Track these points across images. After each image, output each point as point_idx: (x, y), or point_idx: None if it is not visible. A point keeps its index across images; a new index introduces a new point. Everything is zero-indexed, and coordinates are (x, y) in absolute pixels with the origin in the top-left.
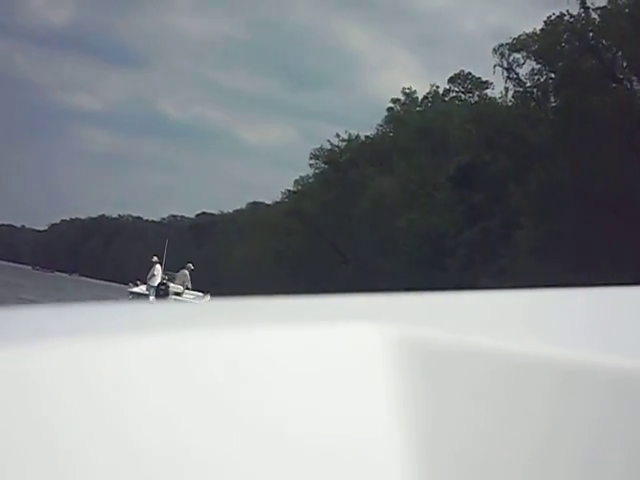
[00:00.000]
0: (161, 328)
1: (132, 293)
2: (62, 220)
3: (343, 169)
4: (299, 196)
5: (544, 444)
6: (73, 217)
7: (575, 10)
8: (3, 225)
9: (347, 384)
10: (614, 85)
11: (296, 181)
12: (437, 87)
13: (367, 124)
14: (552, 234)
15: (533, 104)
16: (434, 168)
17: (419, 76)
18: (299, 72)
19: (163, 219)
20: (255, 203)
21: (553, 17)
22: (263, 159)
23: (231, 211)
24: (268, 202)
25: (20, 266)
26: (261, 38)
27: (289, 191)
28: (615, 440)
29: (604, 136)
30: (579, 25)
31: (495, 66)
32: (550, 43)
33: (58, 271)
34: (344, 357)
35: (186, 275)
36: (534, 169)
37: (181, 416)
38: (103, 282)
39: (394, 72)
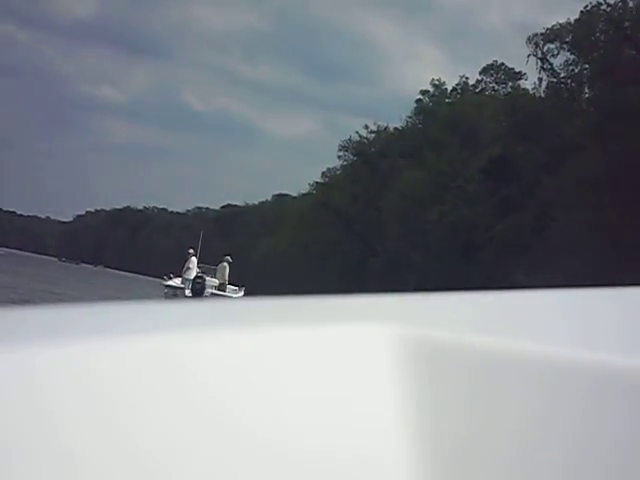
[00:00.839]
0: (164, 328)
1: (168, 287)
2: (87, 211)
3: (372, 161)
4: (327, 188)
5: (544, 441)
6: (98, 208)
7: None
8: (28, 216)
9: (351, 384)
10: None
11: (323, 173)
12: (466, 78)
13: (392, 116)
14: (587, 227)
15: (567, 95)
16: (465, 160)
17: (443, 68)
18: (323, 64)
19: (188, 211)
20: (280, 195)
21: (589, 6)
22: (287, 151)
23: (256, 203)
24: (294, 194)
25: (46, 257)
26: (286, 30)
27: (317, 183)
28: (607, 434)
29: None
30: (616, 14)
31: (529, 56)
32: (585, 33)
33: (83, 263)
34: (348, 357)
35: (225, 268)
36: (568, 161)
37: (182, 418)
38: (129, 274)
39: (418, 64)
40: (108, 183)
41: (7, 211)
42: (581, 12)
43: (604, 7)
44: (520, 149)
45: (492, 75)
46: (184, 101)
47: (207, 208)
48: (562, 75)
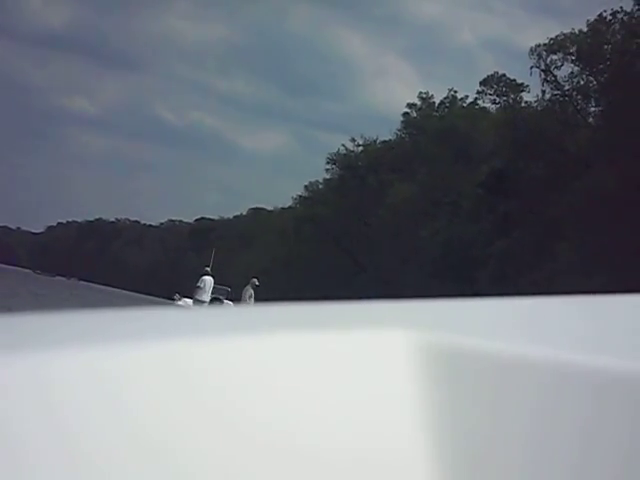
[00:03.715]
0: (181, 334)
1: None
2: (59, 223)
3: (361, 175)
4: (312, 202)
5: (560, 446)
6: (70, 220)
7: (629, 7)
8: None
9: (370, 389)
10: None
11: (306, 187)
12: (455, 92)
13: (364, 130)
14: (596, 247)
15: (571, 109)
16: (458, 175)
17: (414, 84)
18: (296, 78)
19: (161, 224)
20: (257, 209)
21: (598, 17)
22: (261, 165)
23: (231, 217)
24: (270, 208)
25: (20, 269)
26: (259, 44)
27: (300, 197)
28: (618, 439)
29: None
30: (634, 22)
31: (532, 67)
32: (592, 44)
33: (57, 275)
34: (367, 362)
35: (250, 294)
36: (574, 177)
37: (200, 423)
38: (101, 286)
39: (389, 79)
40: (79, 195)
41: None
42: (588, 23)
43: (621, 16)
44: (521, 163)
45: (493, 87)
46: (157, 114)
47: (180, 221)
48: (566, 87)
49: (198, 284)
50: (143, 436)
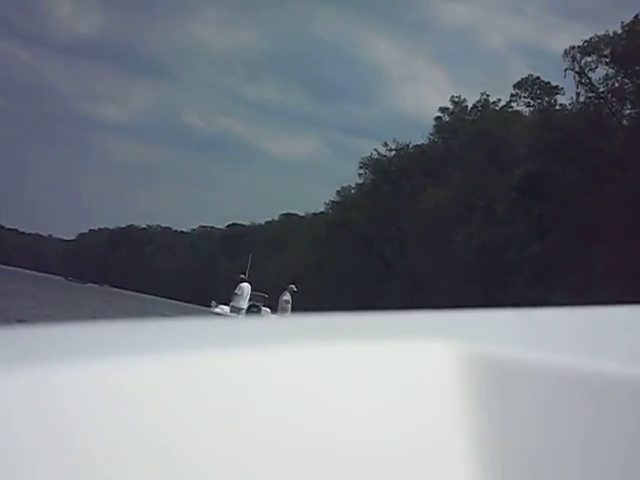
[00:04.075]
0: (237, 343)
1: (215, 314)
2: (90, 230)
3: (394, 179)
4: (344, 207)
5: (607, 458)
6: (101, 227)
7: None
8: (30, 234)
9: (415, 400)
10: None
11: (338, 192)
12: (487, 95)
13: (393, 135)
14: (633, 251)
15: (606, 111)
16: (492, 178)
17: (443, 89)
18: (326, 84)
19: (193, 230)
20: (288, 214)
21: (634, 19)
22: (291, 171)
23: (262, 223)
24: (301, 214)
25: (52, 277)
26: (288, 50)
27: (332, 202)
28: None
29: None
30: None
31: (566, 70)
32: (627, 46)
33: (89, 282)
34: (412, 373)
35: (287, 300)
36: (610, 181)
37: (215, 437)
38: (133, 293)
39: (418, 84)
40: (110, 202)
41: (9, 229)
42: (623, 25)
43: None
44: (555, 167)
45: (527, 89)
46: (187, 120)
47: (212, 227)
48: (601, 90)
49: (235, 291)
50: (149, 450)
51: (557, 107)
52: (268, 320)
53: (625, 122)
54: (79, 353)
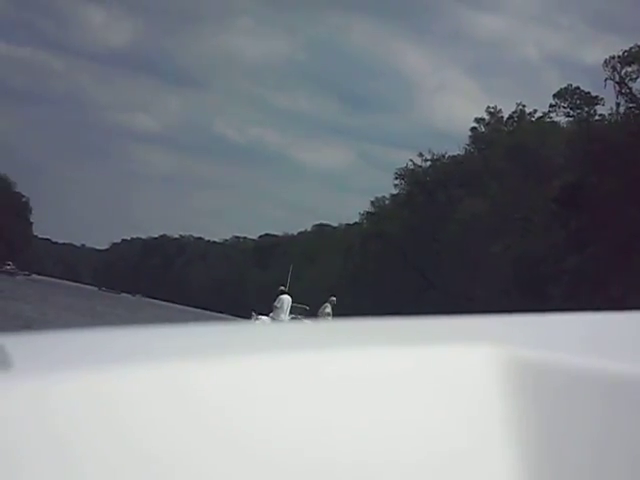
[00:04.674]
0: (281, 347)
1: None
2: (123, 240)
3: (429, 190)
4: (379, 218)
5: None
6: (134, 237)
7: None
8: (64, 244)
9: (456, 405)
10: None
11: (372, 202)
12: (523, 106)
13: (426, 146)
14: None
15: None
16: (529, 190)
17: (476, 99)
18: (358, 94)
19: (226, 240)
20: (321, 225)
21: None
22: (324, 182)
23: (295, 233)
24: (335, 224)
25: (85, 287)
26: (320, 60)
27: (366, 213)
28: None
29: None
30: None
31: (606, 80)
32: None
33: (123, 292)
34: (453, 378)
35: (328, 312)
36: None
37: (238, 449)
38: (166, 303)
39: (450, 95)
40: (143, 212)
41: (42, 238)
42: None
43: None
44: (594, 178)
45: (567, 99)
46: (219, 131)
47: (245, 237)
48: None
49: (275, 303)
50: (146, 459)
51: (596, 117)
52: (294, 324)
53: None
54: (75, 361)
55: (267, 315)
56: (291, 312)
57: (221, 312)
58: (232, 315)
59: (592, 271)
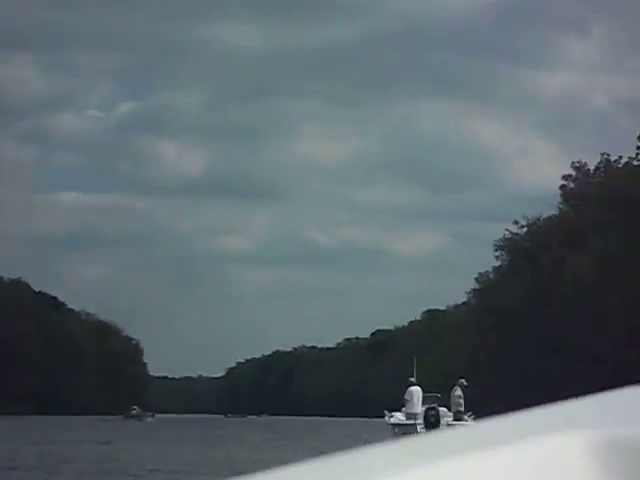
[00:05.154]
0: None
1: (395, 425)
2: (238, 363)
3: (532, 255)
4: (485, 293)
5: None
6: (248, 358)
7: None
8: (181, 378)
9: None
10: None
11: (476, 279)
12: (608, 155)
13: (517, 214)
14: None
15: None
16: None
17: (557, 159)
18: (440, 175)
19: (338, 344)
20: (430, 311)
21: None
22: (424, 267)
23: (406, 323)
24: (443, 307)
25: (211, 416)
26: (396, 148)
27: (473, 290)
28: None
29: None
30: None
31: None
32: None
33: (248, 414)
34: (551, 471)
35: (460, 395)
36: None
37: None
38: (291, 417)
39: (530, 159)
40: (253, 331)
41: (160, 377)
42: None
43: None
44: None
45: None
46: (310, 237)
47: (357, 338)
48: None
49: (406, 396)
50: None
51: None
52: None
53: None
54: None
55: (399, 411)
56: (424, 402)
57: (346, 416)
58: (361, 417)
59: None
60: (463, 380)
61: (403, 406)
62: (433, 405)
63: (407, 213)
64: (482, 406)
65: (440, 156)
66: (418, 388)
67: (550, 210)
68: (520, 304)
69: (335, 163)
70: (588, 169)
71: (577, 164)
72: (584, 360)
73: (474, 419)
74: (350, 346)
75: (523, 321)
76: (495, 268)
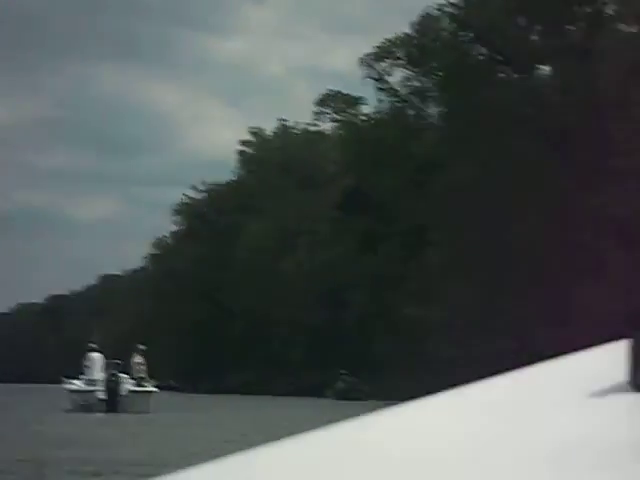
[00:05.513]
0: None
1: (73, 392)
2: None
3: (209, 220)
4: (164, 258)
5: None
6: None
7: None
8: None
9: None
10: (505, 75)
11: (154, 244)
12: (285, 121)
13: (194, 178)
14: (464, 248)
15: (413, 113)
16: (309, 201)
17: (236, 123)
18: (116, 141)
19: (11, 309)
20: (106, 276)
21: (423, 16)
22: (97, 232)
23: (82, 289)
24: (119, 272)
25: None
26: (72, 113)
27: (151, 255)
28: None
29: (504, 129)
30: (463, 15)
31: (365, 78)
32: (420, 44)
33: None
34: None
35: (140, 362)
36: (434, 179)
37: None
38: None
39: (209, 124)
40: None
41: None
42: (412, 24)
43: (449, 9)
44: (373, 177)
45: (329, 105)
46: None
47: (32, 303)
48: (403, 93)
49: (85, 363)
50: None
51: (362, 118)
52: None
53: (432, 120)
54: None
55: (77, 378)
56: (106, 368)
57: (23, 382)
58: (35, 384)
59: (389, 269)
60: (142, 347)
61: (82, 373)
62: (114, 372)
63: (83, 178)
64: (163, 371)
65: (118, 121)
66: (99, 354)
67: (229, 175)
68: (196, 267)
69: (9, 128)
70: (266, 135)
71: (254, 130)
72: (265, 323)
73: (156, 386)
74: (24, 310)
75: (200, 285)
76: (172, 233)
